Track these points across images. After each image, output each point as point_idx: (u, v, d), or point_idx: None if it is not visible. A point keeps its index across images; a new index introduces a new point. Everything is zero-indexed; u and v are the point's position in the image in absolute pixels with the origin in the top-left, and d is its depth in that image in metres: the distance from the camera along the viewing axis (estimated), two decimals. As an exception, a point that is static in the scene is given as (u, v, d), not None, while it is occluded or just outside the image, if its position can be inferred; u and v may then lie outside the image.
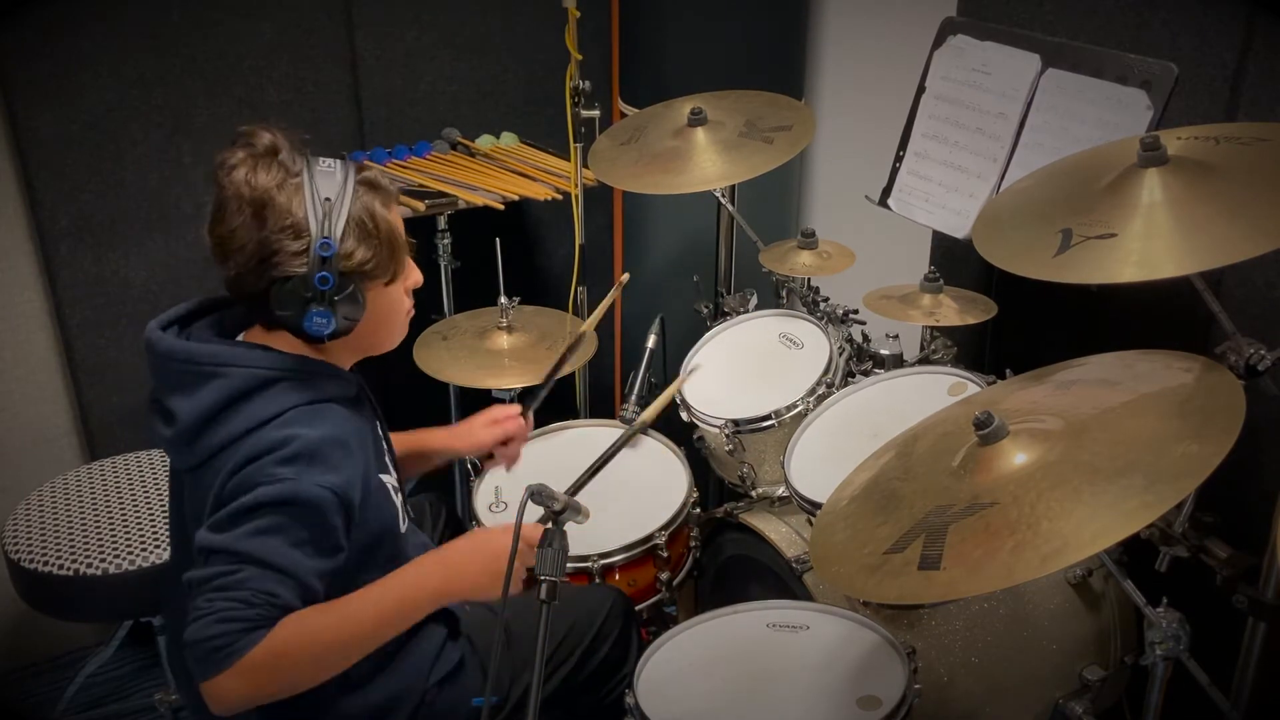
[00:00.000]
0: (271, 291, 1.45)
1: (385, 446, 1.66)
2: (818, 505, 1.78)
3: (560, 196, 2.58)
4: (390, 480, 1.60)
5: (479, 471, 2.25)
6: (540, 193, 2.58)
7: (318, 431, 1.44)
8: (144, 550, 2.14)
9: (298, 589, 1.40)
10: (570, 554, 1.51)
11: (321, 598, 1.43)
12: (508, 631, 1.70)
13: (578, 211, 2.54)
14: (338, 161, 1.50)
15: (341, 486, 1.44)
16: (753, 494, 2.18)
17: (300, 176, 1.45)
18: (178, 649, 1.68)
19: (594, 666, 1.83)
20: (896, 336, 2.18)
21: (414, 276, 1.61)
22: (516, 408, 2.00)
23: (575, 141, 2.45)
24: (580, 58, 2.40)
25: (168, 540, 2.14)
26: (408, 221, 2.46)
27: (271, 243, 1.43)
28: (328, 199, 1.44)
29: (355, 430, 1.52)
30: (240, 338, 1.54)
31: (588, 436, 2.36)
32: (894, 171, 2.26)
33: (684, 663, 1.72)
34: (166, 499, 2.21)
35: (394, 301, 1.58)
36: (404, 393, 2.94)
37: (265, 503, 1.38)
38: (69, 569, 2.12)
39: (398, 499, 1.62)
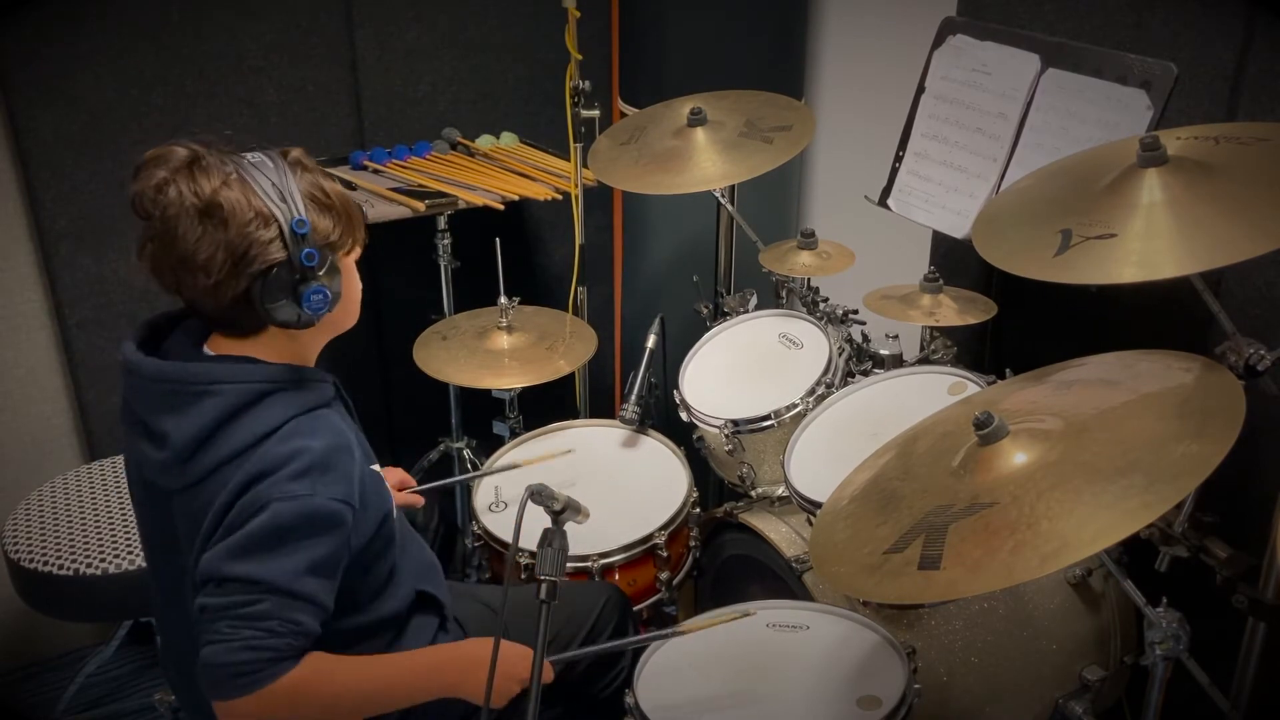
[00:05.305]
0: (253, 289, 1.41)
1: (363, 437, 1.67)
2: (818, 505, 1.78)
3: (560, 196, 2.58)
4: (378, 468, 1.61)
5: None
6: (540, 193, 2.58)
7: (321, 441, 1.43)
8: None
9: (318, 613, 1.41)
10: (570, 554, 1.52)
11: (332, 613, 1.44)
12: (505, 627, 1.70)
13: (578, 211, 2.54)
14: (258, 151, 1.45)
15: (351, 496, 1.44)
16: (753, 494, 2.18)
17: (235, 172, 1.40)
18: (171, 654, 1.68)
19: (590, 659, 1.83)
20: (896, 336, 2.18)
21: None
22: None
23: (575, 141, 2.45)
24: (580, 58, 2.40)
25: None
26: (408, 221, 2.49)
27: (241, 240, 1.38)
28: (274, 184, 1.41)
29: (349, 430, 1.52)
30: (206, 348, 1.50)
31: (588, 436, 2.37)
32: (894, 171, 2.26)
33: (684, 663, 1.72)
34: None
35: (354, 273, 1.55)
36: (404, 393, 2.96)
37: (283, 523, 1.37)
38: (69, 569, 2.12)
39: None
